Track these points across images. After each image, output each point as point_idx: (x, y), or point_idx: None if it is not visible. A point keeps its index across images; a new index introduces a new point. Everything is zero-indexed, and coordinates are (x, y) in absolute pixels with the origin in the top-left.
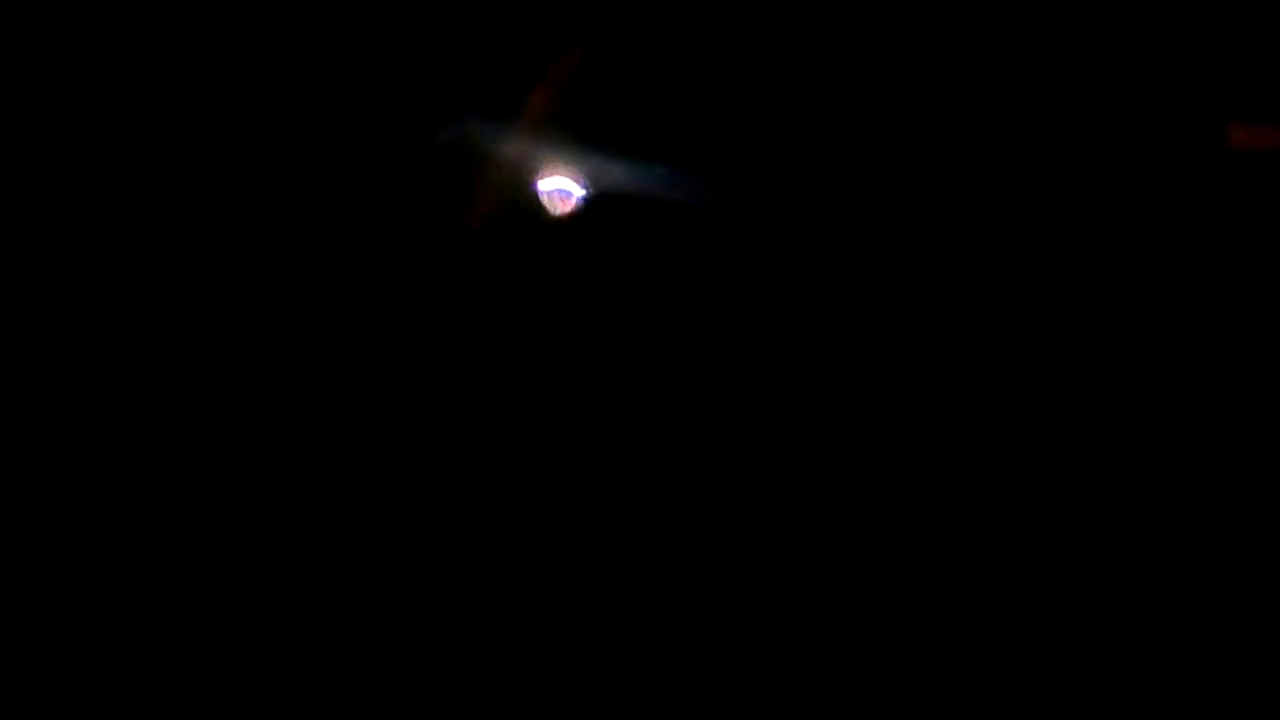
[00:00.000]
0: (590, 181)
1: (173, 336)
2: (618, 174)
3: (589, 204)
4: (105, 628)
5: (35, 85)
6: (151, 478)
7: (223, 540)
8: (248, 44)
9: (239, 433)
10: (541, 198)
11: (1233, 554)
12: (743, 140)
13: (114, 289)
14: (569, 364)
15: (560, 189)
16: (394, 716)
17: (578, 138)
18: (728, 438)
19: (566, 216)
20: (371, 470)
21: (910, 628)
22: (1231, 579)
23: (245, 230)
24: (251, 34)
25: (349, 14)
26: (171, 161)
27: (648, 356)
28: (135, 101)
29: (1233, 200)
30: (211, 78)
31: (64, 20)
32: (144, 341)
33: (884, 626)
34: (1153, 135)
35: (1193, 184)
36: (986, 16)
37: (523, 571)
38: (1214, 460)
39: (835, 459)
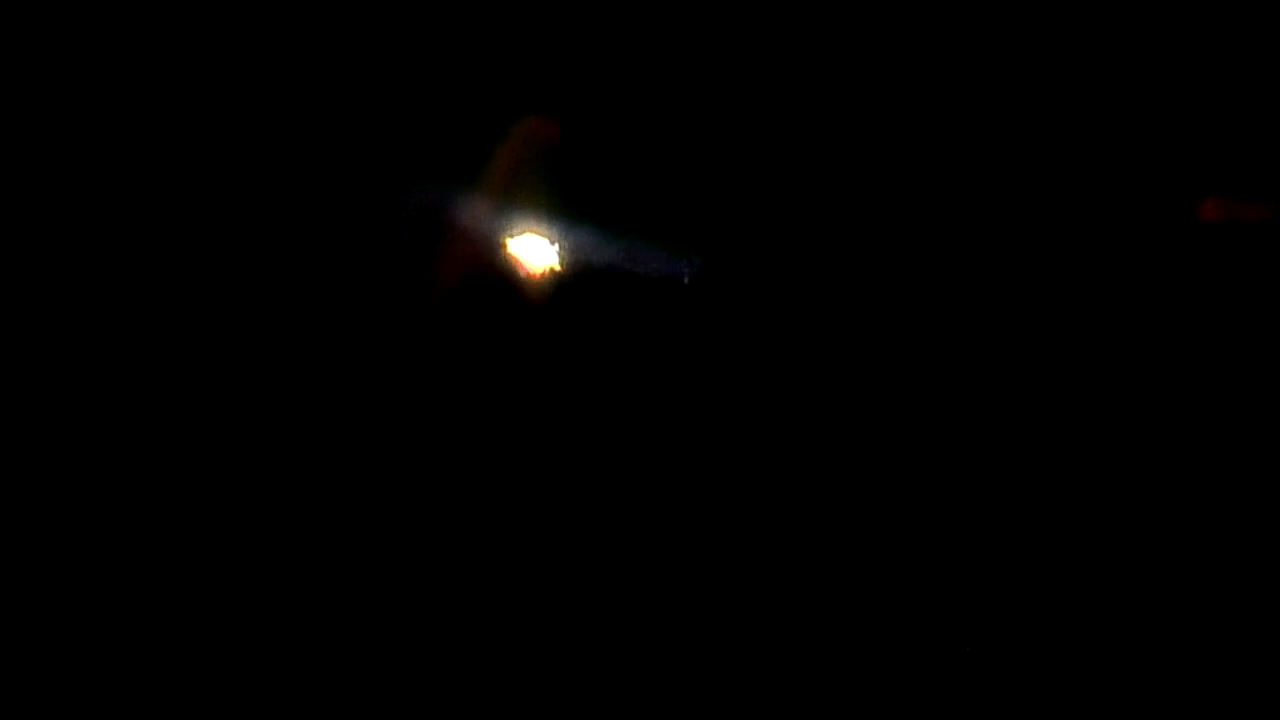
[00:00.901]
0: (560, 246)
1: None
2: (588, 242)
3: (560, 268)
4: (105, 628)
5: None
6: (145, 483)
7: (217, 550)
8: (213, 104)
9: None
10: (511, 260)
11: (1233, 555)
12: (718, 215)
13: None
14: (543, 426)
15: (530, 249)
16: (394, 717)
17: (548, 203)
18: (706, 511)
19: (537, 279)
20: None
21: (910, 628)
22: (1231, 580)
23: (210, 302)
24: (219, 96)
25: (317, 78)
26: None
27: (622, 417)
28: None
29: (1204, 271)
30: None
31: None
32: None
33: (884, 627)
34: (1126, 208)
35: (1164, 256)
36: (964, 102)
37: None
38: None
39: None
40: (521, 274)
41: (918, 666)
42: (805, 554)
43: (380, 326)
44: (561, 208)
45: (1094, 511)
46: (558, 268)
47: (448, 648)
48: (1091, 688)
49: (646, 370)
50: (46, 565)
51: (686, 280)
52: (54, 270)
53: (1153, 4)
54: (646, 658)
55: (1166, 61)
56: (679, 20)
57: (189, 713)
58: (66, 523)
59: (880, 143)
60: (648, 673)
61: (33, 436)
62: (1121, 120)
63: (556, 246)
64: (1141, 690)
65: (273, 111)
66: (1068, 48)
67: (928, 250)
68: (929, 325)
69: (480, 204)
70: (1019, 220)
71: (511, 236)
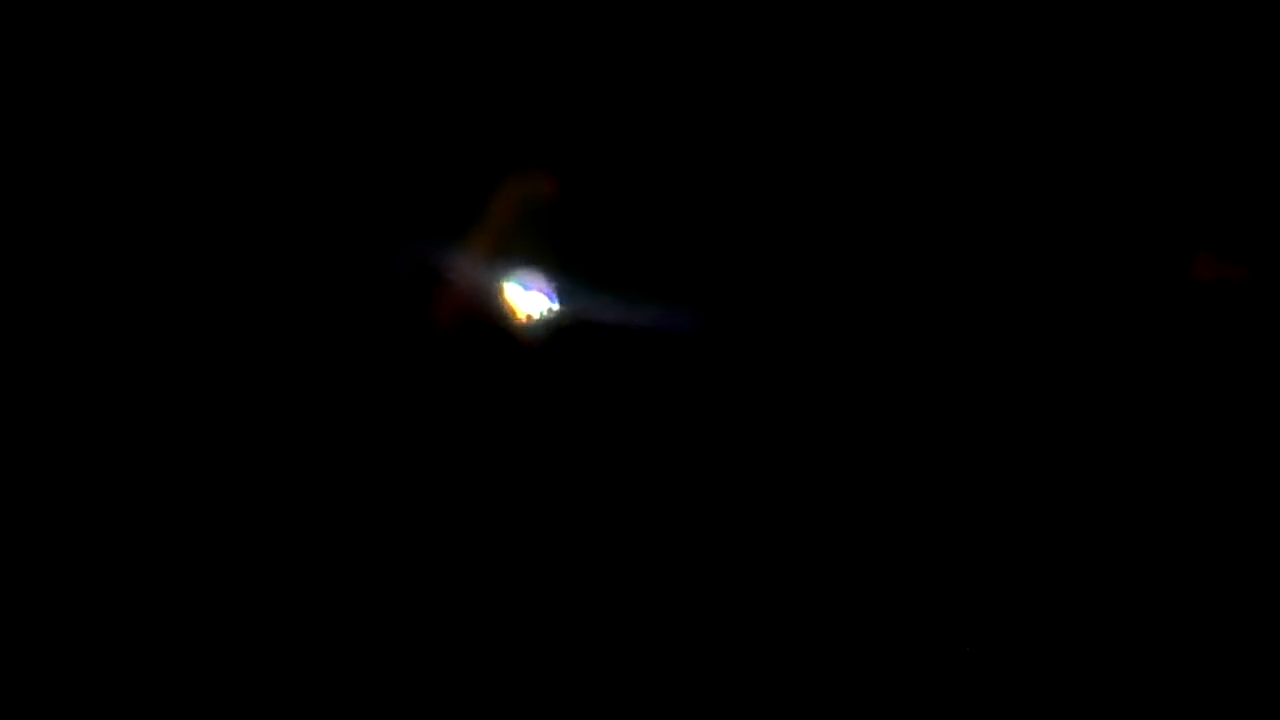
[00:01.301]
0: (553, 299)
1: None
2: (581, 296)
3: (553, 319)
4: (105, 628)
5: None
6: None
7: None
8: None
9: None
10: (504, 311)
11: (1233, 555)
12: (710, 270)
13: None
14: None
15: (526, 296)
16: (394, 716)
17: (541, 256)
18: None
19: (531, 328)
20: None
21: (910, 628)
22: (1231, 580)
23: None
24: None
25: (310, 136)
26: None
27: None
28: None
29: (1193, 329)
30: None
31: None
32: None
33: (884, 627)
34: (1117, 263)
35: (1154, 310)
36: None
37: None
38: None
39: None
40: (514, 325)
41: (918, 667)
42: (804, 566)
43: (374, 371)
44: (556, 261)
45: (1087, 531)
46: (551, 320)
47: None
48: (1091, 688)
49: (637, 422)
50: (46, 565)
51: (676, 332)
52: (47, 287)
53: (1147, 62)
54: (646, 663)
55: (1160, 120)
56: (674, 77)
57: (189, 713)
58: (66, 523)
59: (867, 203)
60: (648, 674)
61: (32, 439)
62: (1114, 179)
63: (550, 299)
64: (1141, 690)
65: (272, 154)
66: (1061, 97)
67: (911, 325)
68: (913, 392)
69: (475, 257)
70: (1009, 274)
71: (505, 288)
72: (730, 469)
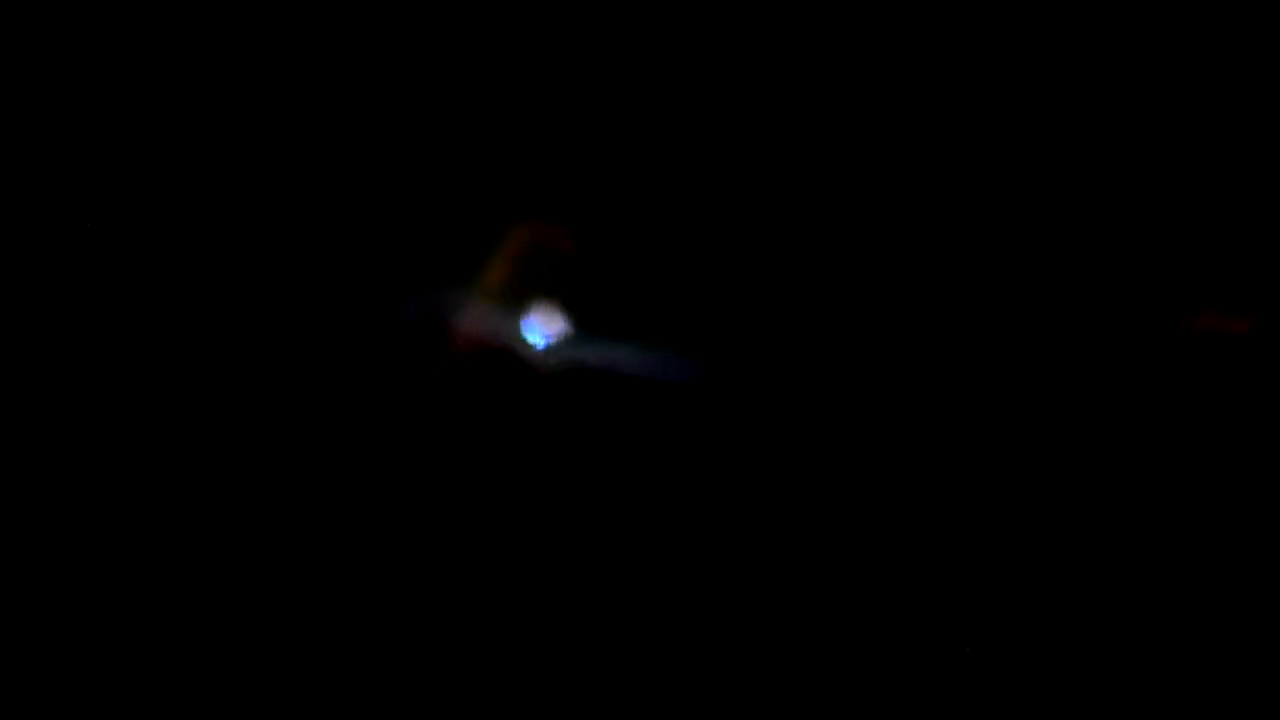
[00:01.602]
0: (563, 349)
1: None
2: (592, 346)
3: (561, 366)
4: (105, 628)
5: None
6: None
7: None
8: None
9: None
10: (514, 361)
11: (1233, 556)
12: (720, 319)
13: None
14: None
15: (535, 343)
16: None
17: (550, 304)
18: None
19: (539, 374)
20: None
21: (910, 628)
22: (1231, 580)
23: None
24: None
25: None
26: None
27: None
28: None
29: (1192, 382)
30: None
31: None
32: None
33: (884, 627)
34: (1114, 318)
35: (1153, 367)
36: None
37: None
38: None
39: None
40: (523, 375)
41: (918, 667)
42: (804, 571)
43: (380, 415)
44: (567, 312)
45: (1085, 543)
46: (559, 366)
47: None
48: (1091, 688)
49: (646, 473)
50: (46, 565)
51: (687, 382)
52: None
53: (1142, 112)
54: (646, 664)
55: (1158, 169)
56: (682, 123)
57: (189, 713)
58: (66, 524)
59: (870, 237)
60: (648, 674)
61: (31, 443)
62: (1111, 231)
63: (559, 349)
64: (1142, 690)
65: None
66: (1054, 152)
67: (913, 358)
68: (921, 429)
69: (485, 303)
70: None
71: (516, 338)
72: (734, 512)
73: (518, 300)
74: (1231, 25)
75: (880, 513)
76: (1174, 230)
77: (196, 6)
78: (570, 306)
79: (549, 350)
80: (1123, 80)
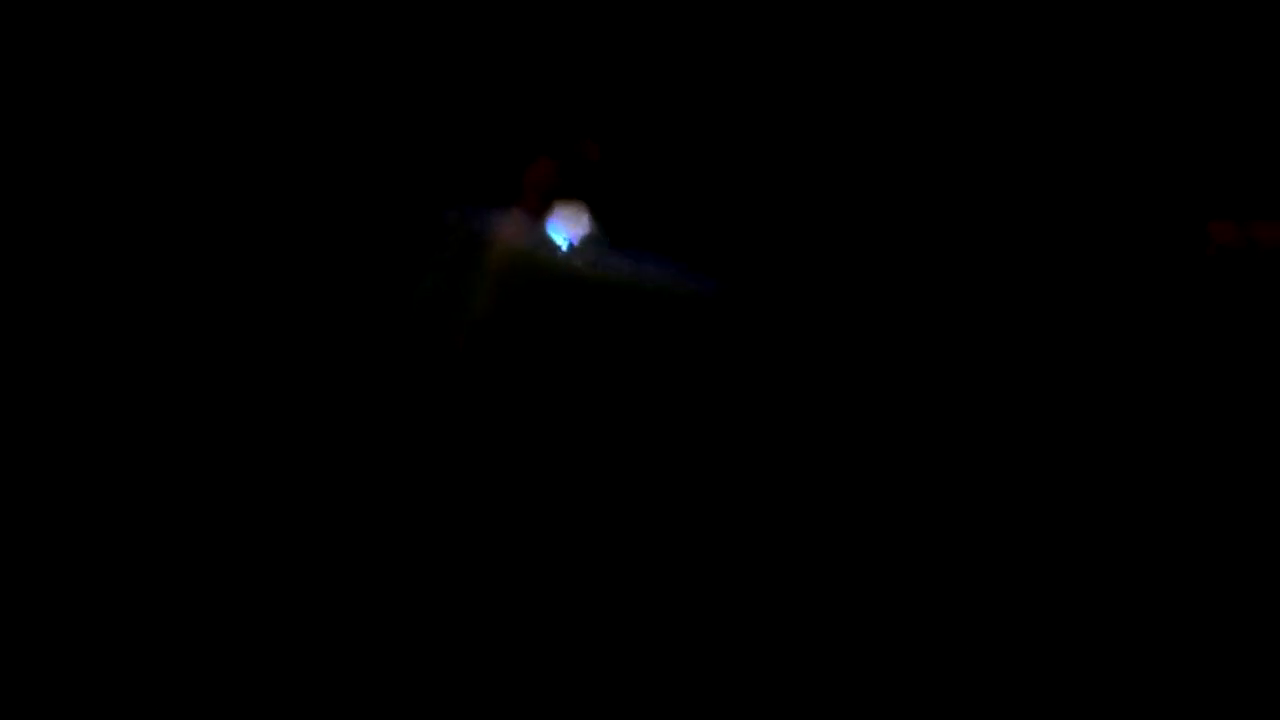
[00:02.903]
0: (588, 258)
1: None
2: (617, 258)
3: (587, 281)
4: (105, 628)
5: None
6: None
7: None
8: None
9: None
10: (540, 269)
11: (1233, 555)
12: (747, 229)
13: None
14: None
15: (560, 261)
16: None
17: (580, 217)
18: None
19: (564, 289)
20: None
21: (910, 628)
22: (1231, 580)
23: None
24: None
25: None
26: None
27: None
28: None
29: (1216, 294)
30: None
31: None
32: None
33: (884, 627)
34: (1135, 228)
35: (1175, 277)
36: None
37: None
38: (1214, 462)
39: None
40: (548, 284)
41: (918, 667)
42: (807, 556)
43: (408, 329)
44: (594, 222)
45: (1094, 520)
46: (585, 279)
47: (446, 649)
48: (1091, 688)
49: (666, 384)
50: (46, 565)
51: (710, 293)
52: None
53: (1167, 15)
54: (646, 658)
55: (1178, 77)
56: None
57: (189, 713)
58: (66, 523)
59: (891, 158)
60: (648, 673)
61: (33, 437)
62: (1133, 138)
63: (585, 258)
64: (1142, 690)
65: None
66: (1080, 61)
67: (940, 265)
68: (939, 342)
69: (519, 215)
70: (1029, 235)
71: (543, 249)
72: (742, 445)
73: (549, 208)
74: None
75: (898, 430)
76: (1199, 138)
77: None
78: (598, 215)
79: (576, 253)
80: None
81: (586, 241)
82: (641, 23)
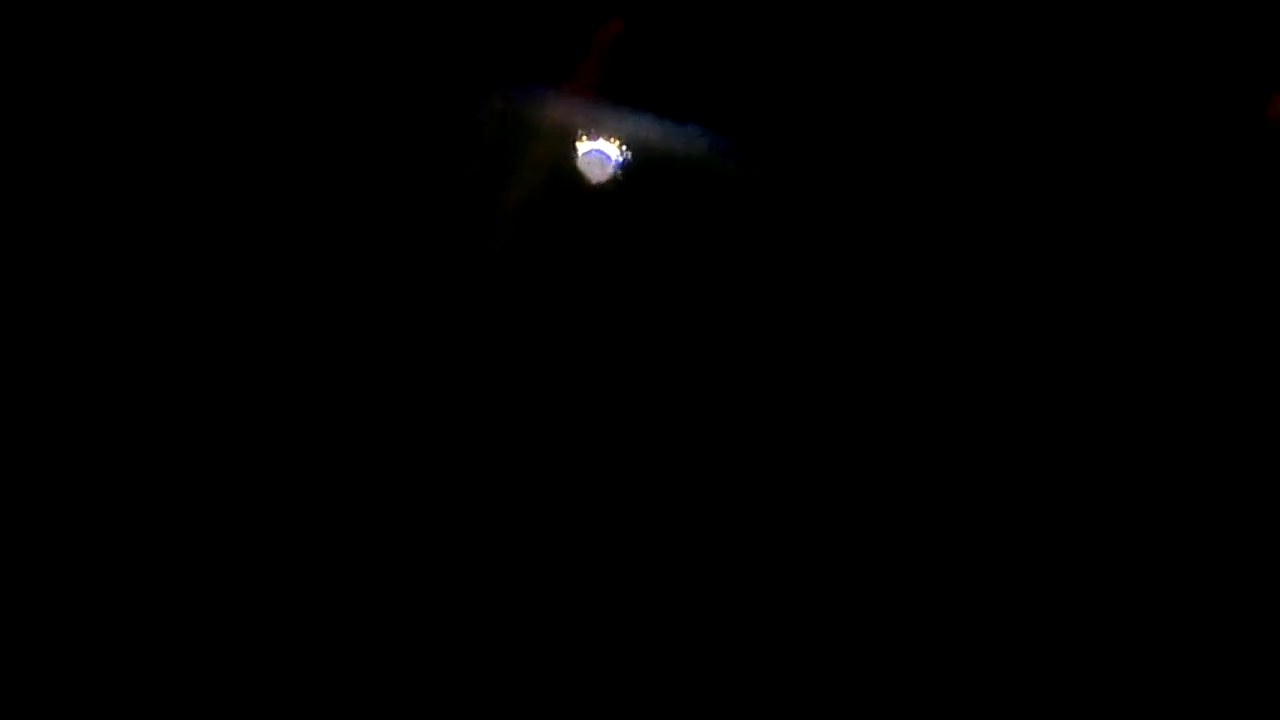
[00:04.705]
0: (629, 146)
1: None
2: (656, 136)
3: (627, 170)
4: (105, 628)
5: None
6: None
7: (222, 540)
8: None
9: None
10: (580, 164)
11: (1232, 555)
12: (779, 109)
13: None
14: (598, 340)
15: (598, 155)
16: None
17: (618, 104)
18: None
19: (604, 183)
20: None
21: (910, 628)
22: (1231, 580)
23: (283, 191)
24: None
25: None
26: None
27: (673, 333)
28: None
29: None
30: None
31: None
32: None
33: (884, 627)
34: (1188, 109)
35: (1230, 162)
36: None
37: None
38: (1215, 461)
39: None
40: (587, 171)
41: (918, 667)
42: (809, 547)
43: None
44: (627, 100)
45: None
46: (624, 160)
47: (447, 643)
48: (1091, 688)
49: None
50: (46, 565)
51: (738, 168)
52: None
53: None
54: (646, 652)
55: None
56: None
57: (189, 713)
58: (66, 523)
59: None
60: (648, 672)
61: (34, 435)
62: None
63: (623, 140)
64: (1142, 690)
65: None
66: None
67: (971, 152)
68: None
69: (556, 100)
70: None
71: (584, 133)
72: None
73: (590, 95)
74: None
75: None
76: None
77: None
78: (631, 91)
79: (615, 134)
80: None
81: (624, 123)
82: None
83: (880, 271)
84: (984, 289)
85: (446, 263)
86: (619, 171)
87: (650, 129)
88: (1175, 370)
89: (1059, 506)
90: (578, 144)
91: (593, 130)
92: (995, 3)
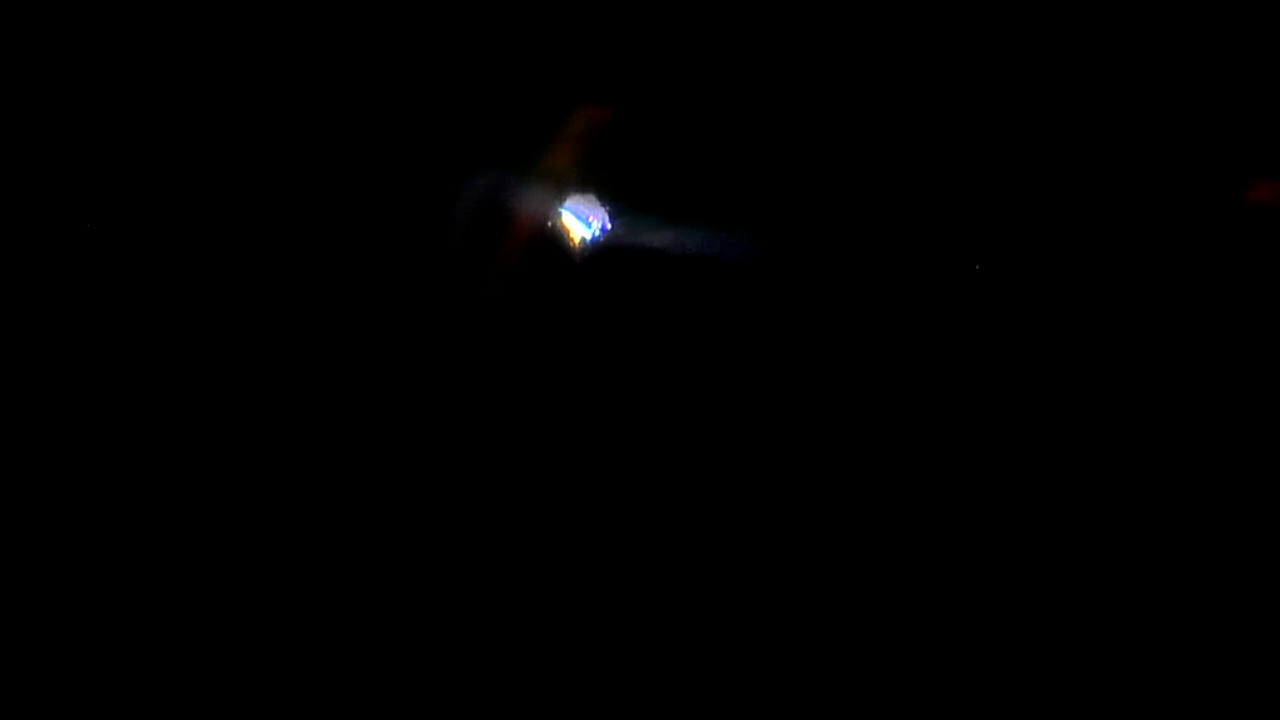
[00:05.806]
0: (611, 227)
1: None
2: (641, 227)
3: (608, 246)
4: (105, 628)
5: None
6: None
7: (222, 540)
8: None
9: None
10: (560, 232)
11: (1232, 554)
12: (769, 197)
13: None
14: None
15: (579, 222)
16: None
17: (600, 188)
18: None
19: (584, 253)
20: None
21: (910, 628)
22: (1231, 579)
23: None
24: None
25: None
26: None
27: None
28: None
29: (1250, 253)
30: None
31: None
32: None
33: (884, 626)
34: (1171, 188)
35: (1210, 237)
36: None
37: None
38: (1214, 464)
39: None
40: (571, 254)
41: (918, 666)
42: (808, 551)
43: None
44: (611, 191)
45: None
46: (606, 248)
47: (447, 645)
48: (1091, 688)
49: (687, 350)
50: (46, 565)
51: (735, 259)
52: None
53: None
54: (647, 652)
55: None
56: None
57: (189, 713)
58: (66, 522)
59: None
60: (648, 672)
61: (35, 435)
62: (1170, 100)
63: (605, 228)
64: (1142, 690)
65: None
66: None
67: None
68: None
69: (535, 188)
70: (1057, 199)
71: (563, 219)
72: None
73: (569, 181)
74: None
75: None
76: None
77: None
78: (616, 187)
79: (594, 229)
80: None
81: (603, 217)
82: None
83: (874, 309)
84: (979, 317)
85: (428, 338)
86: (598, 244)
87: (635, 225)
88: (1170, 377)
89: (1059, 510)
90: (558, 224)
91: (572, 206)
92: (973, 92)
